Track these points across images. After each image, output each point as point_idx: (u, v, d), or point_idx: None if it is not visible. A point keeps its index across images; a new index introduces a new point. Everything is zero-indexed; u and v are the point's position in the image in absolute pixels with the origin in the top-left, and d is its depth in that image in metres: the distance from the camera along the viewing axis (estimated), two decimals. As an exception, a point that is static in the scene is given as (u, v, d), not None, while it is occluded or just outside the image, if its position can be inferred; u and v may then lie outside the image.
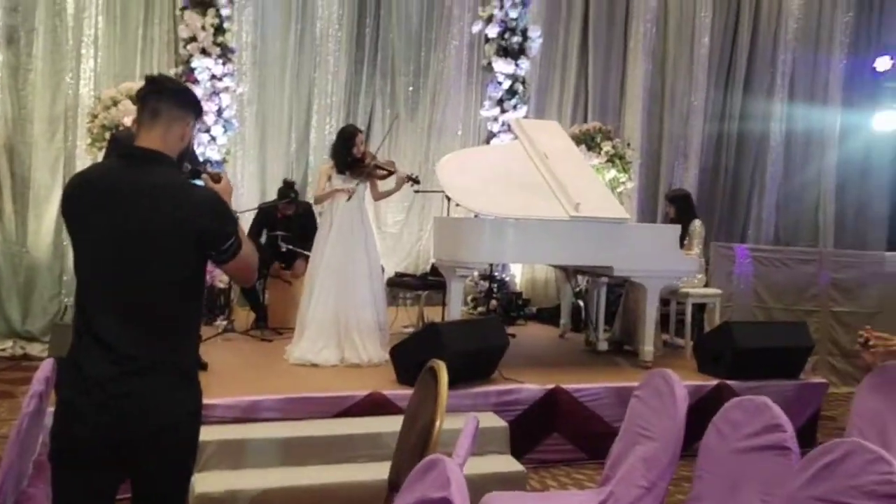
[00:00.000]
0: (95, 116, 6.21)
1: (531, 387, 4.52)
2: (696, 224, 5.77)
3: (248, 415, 3.95)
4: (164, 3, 7.24)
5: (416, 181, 5.33)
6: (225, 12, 6.91)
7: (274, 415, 3.99)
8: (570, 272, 6.19)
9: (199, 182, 2.28)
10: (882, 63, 9.30)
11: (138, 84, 6.65)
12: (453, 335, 4.36)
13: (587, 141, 7.40)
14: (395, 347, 4.53)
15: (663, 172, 8.91)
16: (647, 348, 5.18)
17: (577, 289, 6.46)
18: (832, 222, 9.42)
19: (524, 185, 5.23)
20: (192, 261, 2.05)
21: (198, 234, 2.01)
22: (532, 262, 7.23)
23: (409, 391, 4.28)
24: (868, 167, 9.62)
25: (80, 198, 2.06)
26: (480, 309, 7.15)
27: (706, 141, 9.06)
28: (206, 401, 3.85)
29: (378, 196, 5.34)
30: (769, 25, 9.32)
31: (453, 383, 4.35)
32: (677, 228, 5.37)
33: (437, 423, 2.24)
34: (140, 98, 2.12)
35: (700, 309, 6.02)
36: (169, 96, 2.09)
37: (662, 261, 5.13)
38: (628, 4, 8.81)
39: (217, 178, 2.27)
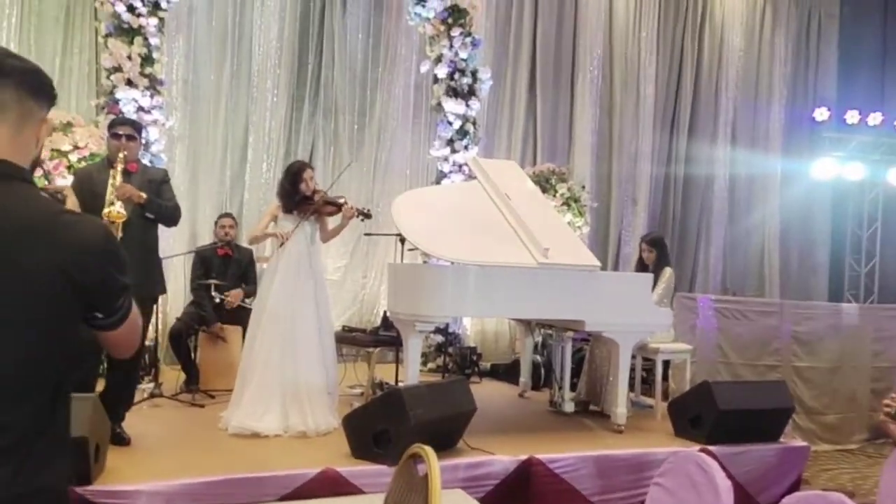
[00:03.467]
0: (4, 148, 5.49)
1: (502, 458, 4.04)
2: (668, 272, 5.49)
3: (177, 502, 3.32)
4: (84, 32, 6.71)
5: (367, 216, 4.82)
6: (154, 41, 6.40)
7: (210, 500, 3.37)
8: (531, 325, 5.79)
9: None
10: (820, 114, 9.52)
11: (56, 114, 6.15)
12: (417, 402, 3.85)
13: (541, 183, 7.12)
14: (350, 416, 3.98)
15: (613, 216, 8.76)
16: (620, 410, 4.79)
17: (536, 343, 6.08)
18: (777, 270, 9.45)
19: (487, 228, 4.83)
20: (67, 332, 1.38)
21: (85, 287, 1.36)
22: (500, 316, 6.81)
23: (366, 466, 3.80)
24: (809, 214, 9.76)
25: None
26: (431, 365, 6.66)
27: (654, 185, 9.02)
28: (127, 486, 3.34)
29: (328, 236, 4.79)
30: (710, 75, 9.46)
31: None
32: (650, 277, 5.06)
33: (432, 531, 1.77)
34: None
35: (664, 365, 5.70)
36: (16, 80, 1.39)
37: (637, 314, 4.79)
38: (574, 51, 8.77)
39: (60, 198, 1.59)
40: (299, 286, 4.50)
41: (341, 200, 4.69)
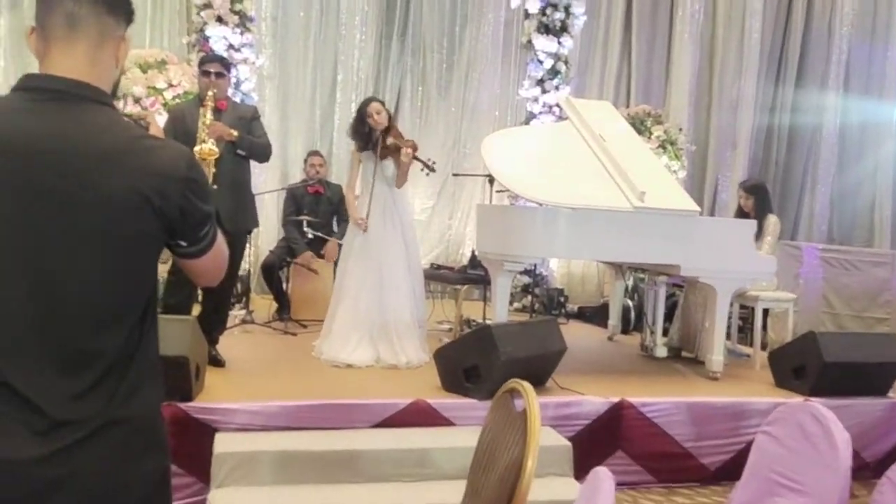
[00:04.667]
0: (102, 84, 5.65)
1: (593, 399, 3.96)
2: (772, 219, 5.18)
3: (273, 422, 3.40)
4: (176, -33, 6.71)
5: (429, 168, 4.62)
6: (243, -23, 6.38)
7: (304, 423, 3.44)
8: (623, 269, 5.62)
9: None
10: (943, 54, 8.69)
11: (150, 52, 6.29)
12: (508, 339, 3.80)
13: (636, 125, 6.83)
14: (441, 350, 3.98)
15: (711, 162, 8.36)
16: (716, 358, 4.60)
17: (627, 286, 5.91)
18: (889, 221, 8.82)
19: (580, 171, 4.66)
20: (151, 257, 1.36)
21: (167, 214, 1.31)
22: (590, 258, 6.64)
23: (455, 400, 3.80)
24: (926, 162, 9.02)
25: None
26: (517, 305, 6.59)
27: (756, 131, 8.50)
28: (226, 405, 3.44)
29: (399, 182, 4.62)
30: (823, 14, 8.74)
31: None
32: (754, 224, 4.79)
33: (529, 467, 1.72)
34: None
35: (764, 313, 5.44)
36: None
37: (737, 260, 4.55)
38: (674, -15, 8.23)
39: (144, 125, 1.54)
40: (386, 226, 4.49)
41: (406, 145, 4.54)
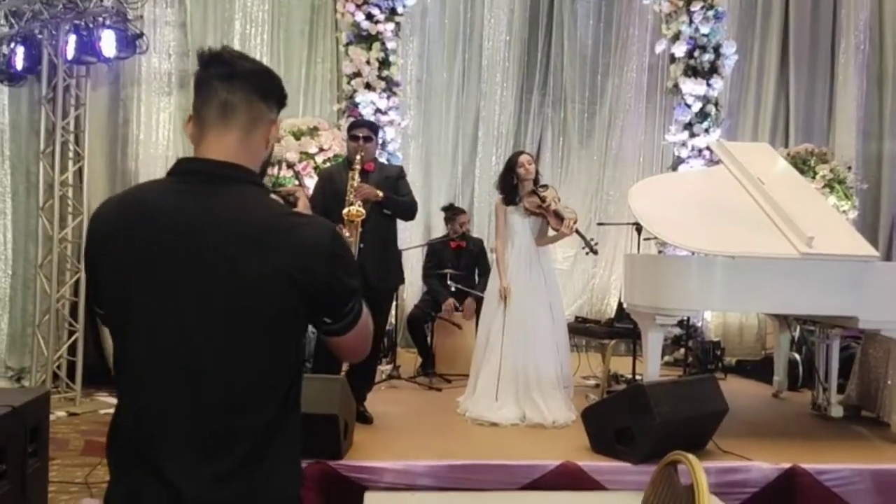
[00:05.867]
0: (257, 153, 6.06)
1: (761, 465, 3.61)
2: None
3: (420, 482, 3.36)
4: (326, 43, 7.16)
5: (591, 248, 4.49)
6: (390, 45, 6.71)
7: (451, 483, 3.37)
8: (787, 320, 5.18)
9: None
10: None
11: (303, 120, 6.70)
12: (663, 399, 3.56)
13: (798, 165, 6.37)
14: (589, 410, 3.80)
15: (885, 200, 7.62)
16: (904, 419, 4.10)
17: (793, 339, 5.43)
18: None
19: (737, 216, 4.38)
20: (296, 336, 1.36)
21: (311, 291, 1.30)
22: (752, 311, 6.23)
23: (607, 463, 3.58)
24: None
25: (117, 237, 1.31)
26: (668, 358, 6.24)
27: (936, 164, 7.68)
28: (375, 463, 3.44)
29: (542, 241, 4.56)
30: None
31: (661, 456, 3.60)
32: (942, 269, 4.27)
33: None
34: (197, 84, 1.38)
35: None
36: (247, 81, 1.37)
37: (926, 310, 4.06)
38: (835, 16, 7.75)
39: (293, 201, 1.55)
40: (531, 279, 4.42)
41: (569, 213, 4.46)
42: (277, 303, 1.29)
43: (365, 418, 4.01)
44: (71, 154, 5.74)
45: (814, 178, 6.41)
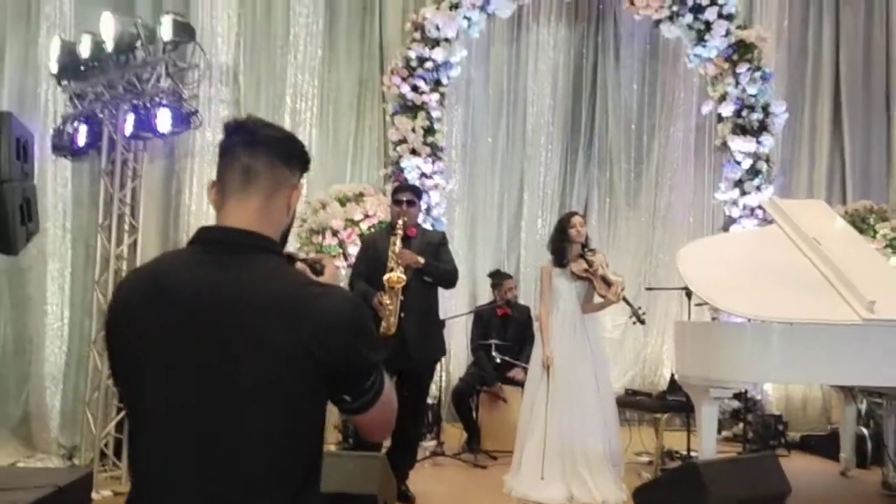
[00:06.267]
0: (304, 221, 6.14)
1: (830, 555, 3.34)
2: None
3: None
4: (374, 113, 7.29)
5: (639, 318, 4.37)
6: (435, 114, 6.80)
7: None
8: (853, 392, 4.88)
9: None
10: None
11: (349, 186, 6.78)
12: (718, 479, 3.34)
13: (856, 223, 6.13)
14: (641, 490, 3.59)
15: (954, 260, 7.23)
16: None
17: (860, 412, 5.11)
18: None
19: (792, 280, 4.19)
20: (314, 414, 1.30)
21: (330, 367, 1.25)
22: (811, 382, 5.90)
23: (660, 549, 3.41)
24: None
25: (135, 313, 1.30)
26: (726, 433, 5.92)
27: None
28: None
29: (588, 308, 4.45)
30: None
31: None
32: None
33: None
34: (221, 152, 1.39)
35: None
36: (268, 148, 1.37)
37: None
38: (888, 73, 7.57)
39: (319, 269, 1.46)
40: (575, 347, 4.28)
41: (617, 279, 4.35)
42: (295, 377, 1.24)
43: (406, 498, 3.89)
44: (127, 227, 5.88)
45: (874, 236, 6.14)
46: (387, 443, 4.02)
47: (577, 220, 4.47)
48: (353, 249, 6.03)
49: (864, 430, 5.14)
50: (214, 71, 6.83)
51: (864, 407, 5.16)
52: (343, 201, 6.36)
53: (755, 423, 5.80)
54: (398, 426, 4.09)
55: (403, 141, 6.74)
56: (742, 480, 3.48)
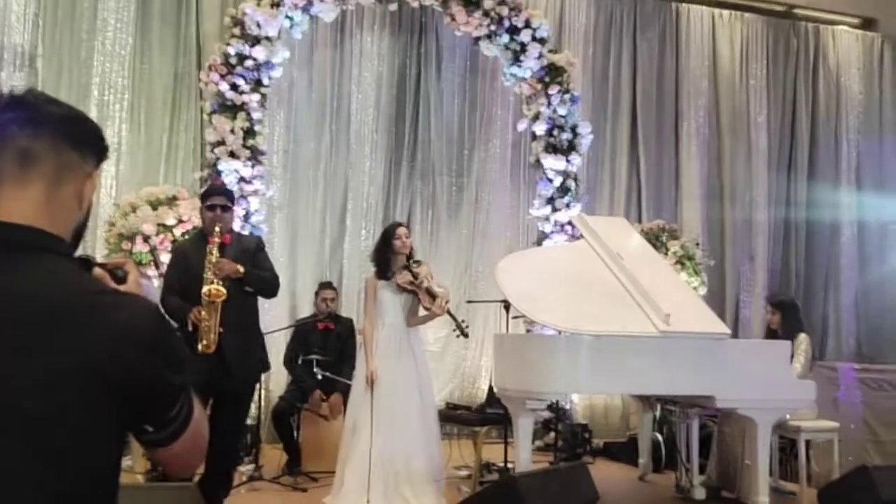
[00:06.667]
0: (112, 225, 5.65)
1: (632, 557, 3.59)
2: (803, 338, 4.92)
3: None
4: (190, 110, 6.90)
5: (462, 331, 4.39)
6: (256, 116, 6.52)
7: None
8: (650, 400, 5.30)
9: None
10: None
11: (162, 188, 6.31)
12: (535, 492, 3.46)
13: (651, 241, 6.68)
14: (461, 506, 3.65)
15: (729, 275, 8.16)
16: (762, 500, 4.21)
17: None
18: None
19: (600, 293, 4.45)
20: (105, 452, 1.07)
21: (126, 391, 1.04)
22: (617, 392, 6.31)
23: (480, 565, 3.48)
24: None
25: None
26: (538, 443, 6.20)
27: (773, 238, 8.36)
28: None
29: (414, 321, 4.47)
30: (828, 121, 8.83)
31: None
32: (788, 345, 4.53)
33: None
34: None
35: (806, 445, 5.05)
36: (53, 128, 1.14)
37: (776, 387, 4.25)
38: (677, 101, 8.38)
39: (120, 275, 1.21)
40: (399, 363, 4.26)
41: (442, 291, 4.39)
42: (79, 406, 1.00)
43: (221, 529, 3.65)
44: None
45: (666, 254, 6.73)
46: (201, 469, 3.75)
47: (401, 231, 4.43)
48: (166, 257, 5.60)
49: (659, 437, 5.60)
50: (6, 52, 6.10)
51: (658, 414, 5.62)
52: (155, 205, 5.91)
53: (564, 432, 6.12)
54: (214, 451, 3.84)
55: (222, 143, 6.40)
56: (556, 491, 3.63)
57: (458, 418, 5.17)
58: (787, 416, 4.61)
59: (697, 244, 7.24)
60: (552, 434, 5.90)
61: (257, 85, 6.50)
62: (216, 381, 3.57)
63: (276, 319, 6.24)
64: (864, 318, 8.47)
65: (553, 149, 7.27)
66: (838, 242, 8.57)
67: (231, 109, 6.42)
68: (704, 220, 8.14)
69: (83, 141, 1.18)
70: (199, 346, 3.48)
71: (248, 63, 6.40)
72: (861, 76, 8.93)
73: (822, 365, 5.59)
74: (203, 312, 3.50)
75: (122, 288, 1.18)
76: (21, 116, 1.12)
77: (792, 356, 4.67)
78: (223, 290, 3.54)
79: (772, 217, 8.37)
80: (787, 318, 5.04)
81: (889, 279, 8.57)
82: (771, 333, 5.15)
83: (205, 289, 3.51)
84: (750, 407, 4.23)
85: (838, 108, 8.82)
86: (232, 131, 6.39)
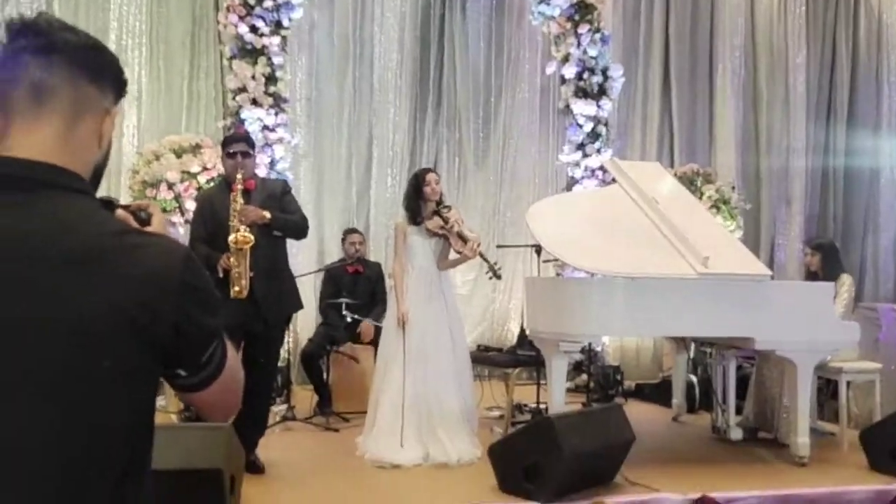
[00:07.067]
0: (136, 172, 5.61)
1: (671, 496, 3.53)
2: (846, 279, 4.77)
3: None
4: (210, 56, 6.76)
5: (495, 273, 4.34)
6: (277, 60, 6.36)
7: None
8: (686, 342, 5.21)
9: None
10: None
11: (184, 137, 6.25)
12: (571, 432, 3.43)
13: (686, 185, 6.50)
14: (496, 447, 3.61)
15: (765, 219, 7.97)
16: (802, 440, 4.13)
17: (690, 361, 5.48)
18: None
19: (634, 236, 4.35)
20: (137, 398, 1.01)
21: (156, 336, 0.98)
22: (653, 335, 6.23)
23: (516, 502, 3.45)
24: None
25: None
26: (568, 384, 6.15)
27: (810, 183, 8.14)
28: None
29: (445, 265, 4.41)
30: (869, 61, 8.47)
31: (571, 492, 3.46)
32: (831, 286, 4.40)
33: None
34: (2, 61, 1.02)
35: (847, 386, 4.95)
36: (70, 57, 1.03)
37: (817, 329, 4.13)
38: (712, 42, 8.08)
39: (145, 217, 1.13)
40: (430, 306, 4.20)
41: (473, 235, 4.31)
42: (109, 353, 0.94)
43: (256, 468, 3.65)
44: None
45: (701, 198, 6.57)
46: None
47: (431, 177, 4.36)
48: (191, 205, 5.56)
49: (694, 378, 5.54)
50: (21, -6, 6.00)
51: (692, 355, 5.54)
52: (179, 153, 5.85)
53: (596, 373, 6.08)
54: (247, 393, 3.85)
55: (243, 89, 6.27)
56: (593, 432, 3.60)
57: (489, 360, 5.14)
58: (829, 358, 4.49)
59: (733, 188, 7.06)
60: (584, 376, 5.85)
61: (277, 27, 6.32)
62: (248, 325, 3.55)
63: (303, 265, 6.21)
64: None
65: (583, 93, 7.06)
66: (878, 186, 8.33)
67: (251, 54, 6.27)
68: (739, 166, 7.93)
69: (101, 73, 1.08)
70: (232, 293, 3.46)
71: (267, 3, 6.23)
72: (903, 11, 8.54)
73: (863, 306, 5.46)
74: (232, 259, 3.48)
75: (147, 229, 1.09)
76: (33, 44, 1.01)
77: (834, 297, 4.54)
78: (250, 236, 3.51)
79: (809, 164, 8.13)
80: (828, 260, 4.89)
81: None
82: (811, 276, 5.00)
83: (231, 236, 3.49)
84: (791, 349, 4.11)
85: (879, 48, 8.47)
86: (253, 77, 6.26)
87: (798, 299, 4.27)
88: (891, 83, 8.49)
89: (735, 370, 4.80)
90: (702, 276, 4.03)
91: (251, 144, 3.86)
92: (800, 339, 4.09)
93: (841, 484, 3.77)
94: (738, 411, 4.86)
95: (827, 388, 5.03)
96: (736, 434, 4.61)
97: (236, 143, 3.78)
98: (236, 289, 3.47)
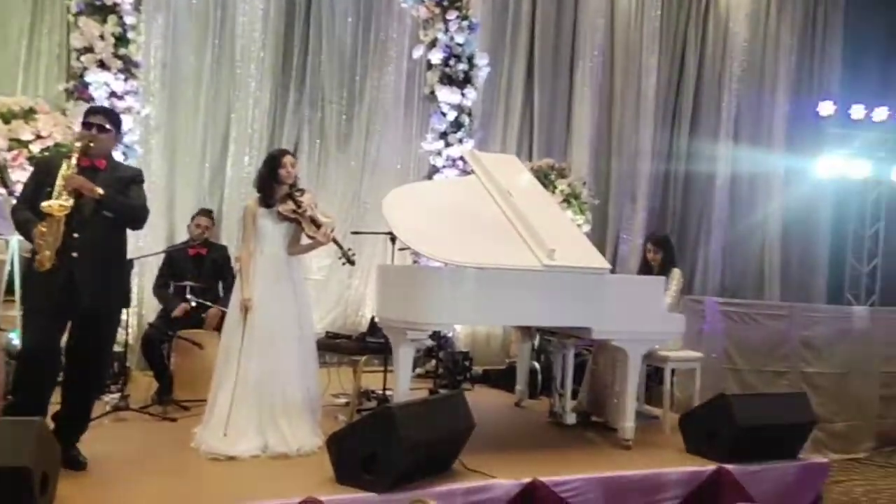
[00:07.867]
0: (-40, 138, 5.10)
1: (503, 482, 3.67)
2: (676, 273, 5.14)
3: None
4: (54, 11, 6.24)
5: (349, 259, 4.31)
6: (129, 20, 5.96)
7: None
8: (530, 329, 5.42)
9: None
10: (825, 108, 9.14)
11: (16, 99, 5.73)
12: (411, 421, 3.47)
13: (540, 179, 6.74)
14: (334, 436, 3.57)
15: (612, 214, 8.43)
16: (628, 425, 4.43)
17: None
18: (778, 270, 9.15)
19: (486, 227, 4.46)
20: None
21: None
22: (499, 324, 6.41)
23: (351, 495, 3.38)
24: (811, 213, 9.45)
25: None
26: (419, 370, 6.27)
27: (654, 183, 8.69)
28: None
29: (295, 250, 4.28)
30: (714, 66, 9.13)
31: (408, 481, 3.51)
32: (663, 280, 4.70)
33: None
34: None
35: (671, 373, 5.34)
36: None
37: (648, 320, 4.43)
38: (574, 40, 8.42)
39: None
40: (278, 292, 4.08)
41: (327, 220, 4.24)
42: None
43: (77, 464, 3.42)
44: None
45: (554, 192, 6.83)
46: (57, 399, 3.50)
47: (288, 159, 4.23)
48: (21, 175, 5.11)
49: (537, 365, 5.79)
50: None
51: (537, 343, 5.79)
52: (7, 118, 5.37)
53: (446, 359, 6.21)
54: (71, 382, 3.60)
55: (90, 49, 5.84)
56: (433, 420, 3.65)
57: (337, 347, 5.10)
58: (656, 347, 4.82)
59: (584, 184, 7.39)
60: (434, 361, 5.95)
61: (131, -19, 5.93)
62: (71, 307, 3.33)
63: (150, 246, 5.91)
64: (730, 258, 9.03)
65: (448, 80, 7.13)
66: (713, 189, 9.05)
67: (100, 11, 5.86)
68: (592, 162, 8.32)
69: None
70: (34, 262, 3.23)
71: (120, -48, 5.81)
72: (748, 22, 9.22)
73: (690, 299, 5.88)
74: (43, 226, 3.22)
75: None
76: None
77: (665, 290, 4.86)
78: (67, 205, 3.25)
79: (654, 166, 8.68)
80: (666, 255, 5.23)
81: (755, 225, 9.17)
82: (646, 269, 5.34)
83: (46, 203, 3.22)
84: (624, 339, 4.38)
85: (724, 55, 9.12)
86: (101, 37, 5.85)
87: (632, 292, 4.53)
88: (732, 90, 9.17)
89: (574, 358, 5.04)
90: (546, 267, 4.19)
91: (113, 121, 3.60)
92: (632, 330, 4.36)
93: (659, 466, 4.07)
94: (576, 397, 5.13)
95: (655, 375, 5.40)
96: (571, 419, 4.87)
97: (94, 115, 3.56)
98: (38, 257, 3.22)
